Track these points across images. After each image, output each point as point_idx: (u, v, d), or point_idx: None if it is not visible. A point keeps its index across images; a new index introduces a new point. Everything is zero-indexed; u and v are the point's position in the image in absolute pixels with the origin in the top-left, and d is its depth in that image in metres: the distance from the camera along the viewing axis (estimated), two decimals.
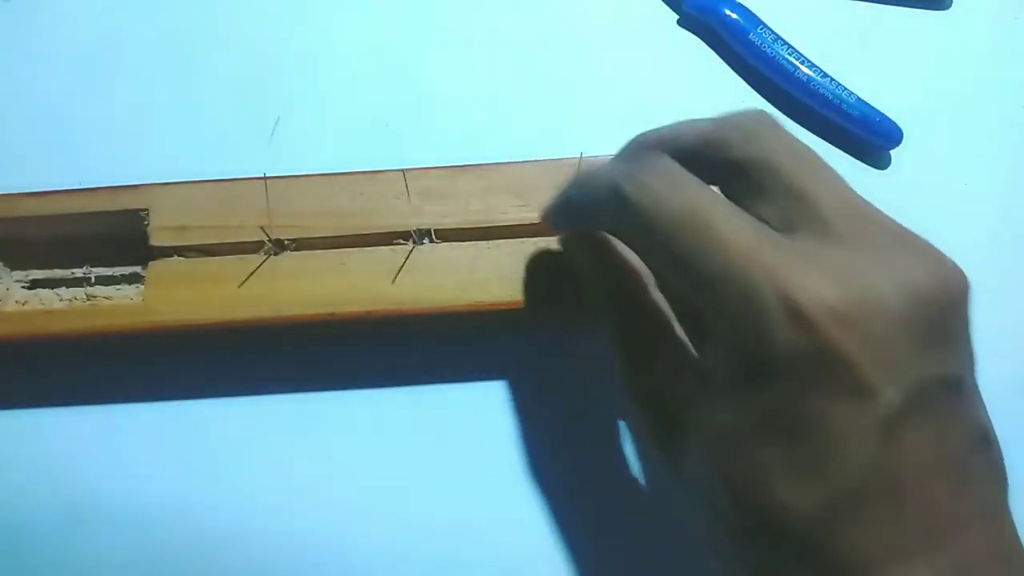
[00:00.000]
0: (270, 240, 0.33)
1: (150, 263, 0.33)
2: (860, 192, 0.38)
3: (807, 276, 0.21)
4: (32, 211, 0.34)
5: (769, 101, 0.40)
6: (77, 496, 0.34)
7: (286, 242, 0.33)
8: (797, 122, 0.39)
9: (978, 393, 0.23)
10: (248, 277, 0.33)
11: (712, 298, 0.22)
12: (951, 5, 0.41)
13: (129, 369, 0.36)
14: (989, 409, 0.35)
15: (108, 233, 0.34)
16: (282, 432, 0.35)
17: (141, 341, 0.34)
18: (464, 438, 0.35)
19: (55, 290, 0.35)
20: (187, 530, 0.34)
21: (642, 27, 0.41)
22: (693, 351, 0.28)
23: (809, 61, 0.39)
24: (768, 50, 0.39)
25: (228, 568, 0.33)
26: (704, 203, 0.22)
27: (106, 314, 0.33)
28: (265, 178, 0.33)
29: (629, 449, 0.34)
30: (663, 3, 0.41)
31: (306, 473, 0.34)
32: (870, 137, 0.38)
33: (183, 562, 0.34)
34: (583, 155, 0.33)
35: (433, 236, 0.34)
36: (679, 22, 0.41)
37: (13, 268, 0.35)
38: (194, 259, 0.33)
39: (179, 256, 0.33)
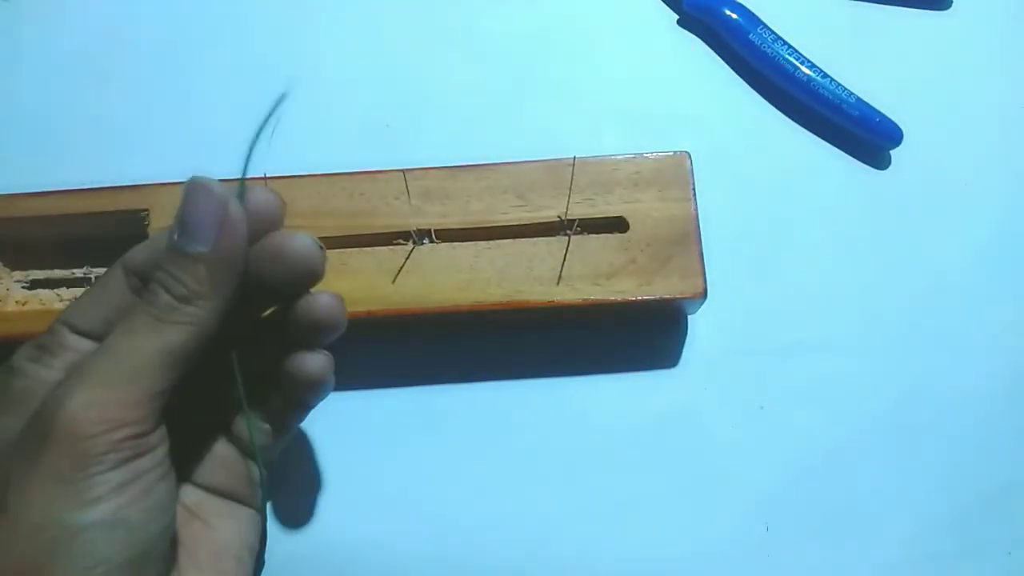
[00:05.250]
0: None
1: None
2: (860, 192, 0.38)
3: None
4: (32, 211, 0.34)
5: (769, 101, 0.40)
6: None
7: None
8: (797, 122, 0.39)
9: None
10: None
11: None
12: (951, 5, 0.41)
13: None
14: (987, 406, 0.35)
15: (108, 233, 0.34)
16: None
17: None
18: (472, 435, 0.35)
19: (55, 290, 0.35)
20: None
21: (642, 27, 0.41)
22: None
23: (809, 61, 0.38)
24: (768, 50, 0.39)
25: None
26: None
27: None
28: (265, 178, 0.33)
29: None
30: (663, 3, 0.41)
31: (306, 470, 0.34)
32: (870, 137, 0.38)
33: None
34: (576, 158, 0.33)
35: (433, 236, 0.34)
36: (679, 22, 0.41)
37: (13, 268, 0.35)
38: None
39: None
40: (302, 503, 0.34)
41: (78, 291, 0.35)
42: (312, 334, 0.28)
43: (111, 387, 0.24)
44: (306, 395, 0.29)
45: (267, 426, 0.30)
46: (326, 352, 0.28)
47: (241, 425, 0.29)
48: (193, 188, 0.26)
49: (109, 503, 0.23)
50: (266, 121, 0.27)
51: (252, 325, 0.29)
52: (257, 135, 0.27)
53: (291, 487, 0.34)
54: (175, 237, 0.25)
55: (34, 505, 0.23)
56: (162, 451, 0.25)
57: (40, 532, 0.23)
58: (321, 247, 0.27)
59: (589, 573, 0.34)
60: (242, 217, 0.26)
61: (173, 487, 0.26)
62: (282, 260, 0.27)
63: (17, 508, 0.23)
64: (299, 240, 0.27)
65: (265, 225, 0.27)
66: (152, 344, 0.25)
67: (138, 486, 0.24)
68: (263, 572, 0.33)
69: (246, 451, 0.30)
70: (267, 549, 0.33)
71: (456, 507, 0.34)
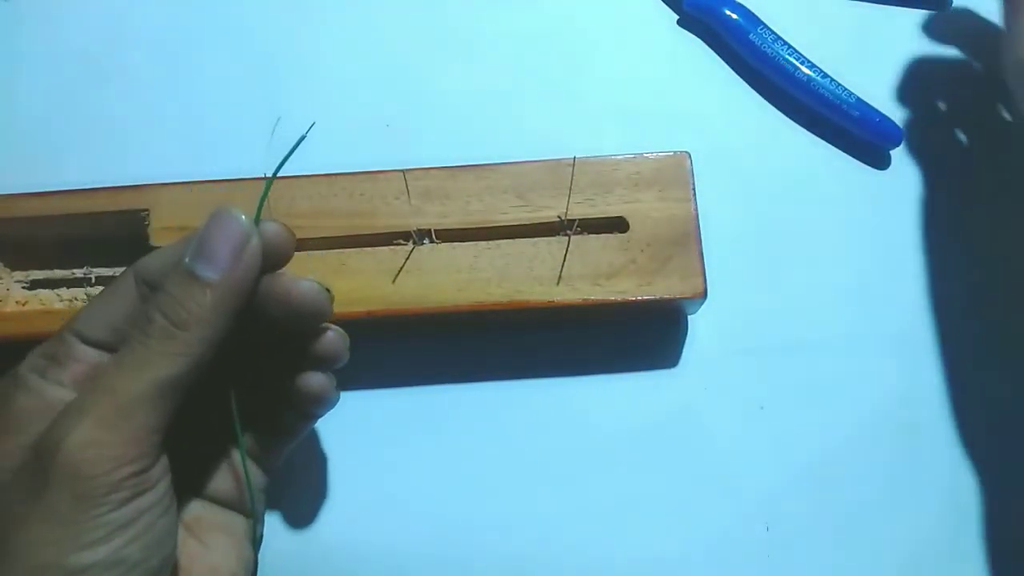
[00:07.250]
0: None
1: None
2: (860, 192, 0.38)
3: None
4: (32, 211, 0.34)
5: (769, 101, 0.40)
6: None
7: None
8: (797, 122, 0.39)
9: None
10: None
11: None
12: (951, 5, 0.41)
13: None
14: (990, 411, 0.35)
15: (108, 233, 0.34)
16: None
17: None
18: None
19: (55, 290, 0.35)
20: None
21: (642, 27, 0.41)
22: None
23: (809, 61, 0.38)
24: (768, 50, 0.39)
25: None
26: None
27: None
28: (265, 178, 0.33)
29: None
30: (663, 3, 0.41)
31: (306, 470, 0.34)
32: (870, 137, 0.38)
33: None
34: (576, 158, 0.34)
35: (433, 236, 0.34)
36: (679, 22, 0.41)
37: (13, 268, 0.35)
38: None
39: None
40: (302, 503, 0.34)
41: (78, 291, 0.35)
42: (315, 364, 0.28)
43: (109, 425, 0.23)
44: (312, 408, 0.29)
45: (258, 465, 0.30)
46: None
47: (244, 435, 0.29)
48: (219, 215, 0.26)
49: (110, 544, 0.23)
50: (287, 157, 0.28)
51: (259, 343, 0.29)
52: (277, 169, 0.28)
53: (291, 487, 0.34)
54: (187, 260, 0.25)
55: (34, 547, 0.23)
56: (163, 485, 0.25)
57: (39, 574, 0.22)
58: (327, 289, 0.27)
59: (589, 573, 0.34)
60: (259, 253, 0.26)
61: (174, 519, 0.25)
62: (288, 304, 0.27)
63: (16, 549, 0.23)
64: (305, 286, 0.27)
65: (273, 258, 0.27)
66: (147, 377, 0.24)
67: (140, 524, 0.24)
68: (263, 571, 0.33)
69: (249, 456, 0.30)
70: (268, 549, 0.33)
71: (456, 507, 0.34)
